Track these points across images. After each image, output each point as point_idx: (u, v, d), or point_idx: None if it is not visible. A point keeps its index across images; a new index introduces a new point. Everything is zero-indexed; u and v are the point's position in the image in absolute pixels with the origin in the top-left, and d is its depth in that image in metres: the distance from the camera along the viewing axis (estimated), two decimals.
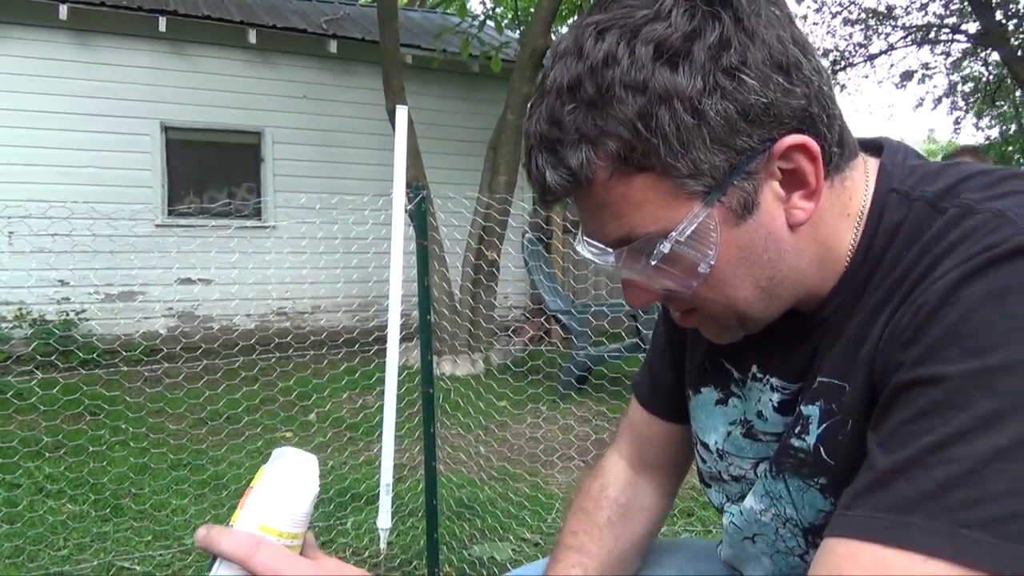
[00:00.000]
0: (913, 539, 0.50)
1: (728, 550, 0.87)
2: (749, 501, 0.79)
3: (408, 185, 2.38)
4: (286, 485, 0.64)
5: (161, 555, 2.46)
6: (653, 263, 0.63)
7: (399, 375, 2.38)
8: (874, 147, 0.72)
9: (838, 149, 0.64)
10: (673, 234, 0.61)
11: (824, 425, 0.67)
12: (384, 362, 2.38)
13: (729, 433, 0.82)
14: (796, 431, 0.71)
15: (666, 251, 0.62)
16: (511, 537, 2.64)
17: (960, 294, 0.55)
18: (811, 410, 0.69)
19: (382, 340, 2.51)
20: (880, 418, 0.58)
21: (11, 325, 6.14)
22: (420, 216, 2.49)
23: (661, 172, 0.59)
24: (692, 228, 0.61)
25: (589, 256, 0.66)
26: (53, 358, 4.19)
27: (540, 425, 3.60)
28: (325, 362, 3.61)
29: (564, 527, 0.98)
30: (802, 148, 0.60)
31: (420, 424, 2.56)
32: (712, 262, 0.63)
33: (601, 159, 0.59)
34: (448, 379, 4.63)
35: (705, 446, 0.86)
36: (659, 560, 1.01)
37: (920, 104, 26.26)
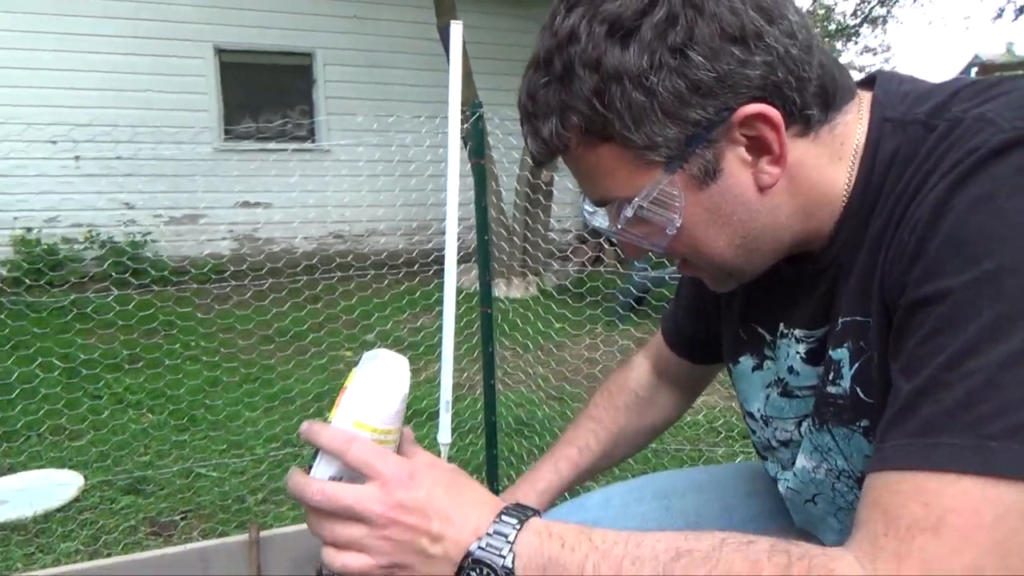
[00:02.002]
0: (943, 460, 0.50)
1: (797, 517, 0.87)
2: (800, 460, 0.79)
3: (463, 104, 2.34)
4: (378, 384, 0.66)
5: (235, 463, 2.60)
6: (619, 226, 0.68)
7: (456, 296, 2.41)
8: (869, 82, 0.70)
9: (816, 108, 0.64)
10: (636, 200, 0.65)
11: (856, 365, 0.67)
12: (441, 283, 2.41)
13: (768, 396, 0.83)
14: (830, 378, 0.70)
15: (630, 215, 0.66)
16: None
17: (950, 204, 0.55)
18: (840, 353, 0.68)
19: (437, 262, 2.53)
20: (896, 344, 0.58)
21: (82, 247, 6.39)
22: (477, 135, 2.45)
23: (622, 144, 0.63)
24: (655, 194, 0.65)
25: (587, 215, 0.73)
26: (128, 275, 4.36)
27: (597, 346, 3.62)
28: (386, 282, 3.66)
29: (590, 400, 1.15)
30: (761, 117, 0.61)
31: (477, 345, 2.60)
32: (678, 224, 0.66)
33: (568, 131, 0.64)
34: (504, 300, 4.67)
35: (751, 415, 0.88)
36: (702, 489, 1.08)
37: (1000, 15, 24.36)
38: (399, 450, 0.69)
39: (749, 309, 0.84)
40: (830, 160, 0.66)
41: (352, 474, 0.65)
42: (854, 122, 0.67)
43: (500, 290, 5.52)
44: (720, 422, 2.93)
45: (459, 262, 2.58)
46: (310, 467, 0.67)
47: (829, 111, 0.65)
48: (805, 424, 0.78)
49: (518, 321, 3.70)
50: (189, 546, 1.64)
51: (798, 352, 0.76)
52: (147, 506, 2.31)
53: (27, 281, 4.93)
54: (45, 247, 6.11)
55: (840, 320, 0.68)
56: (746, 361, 0.86)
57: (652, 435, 1.15)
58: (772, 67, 0.61)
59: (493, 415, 2.45)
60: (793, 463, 0.82)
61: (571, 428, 1.12)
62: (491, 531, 0.61)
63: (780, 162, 0.64)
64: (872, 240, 0.65)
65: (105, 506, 2.31)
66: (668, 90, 0.60)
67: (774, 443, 0.85)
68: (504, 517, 0.62)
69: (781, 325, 0.78)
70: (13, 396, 2.78)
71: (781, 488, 0.86)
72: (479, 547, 0.61)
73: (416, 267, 3.40)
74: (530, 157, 0.72)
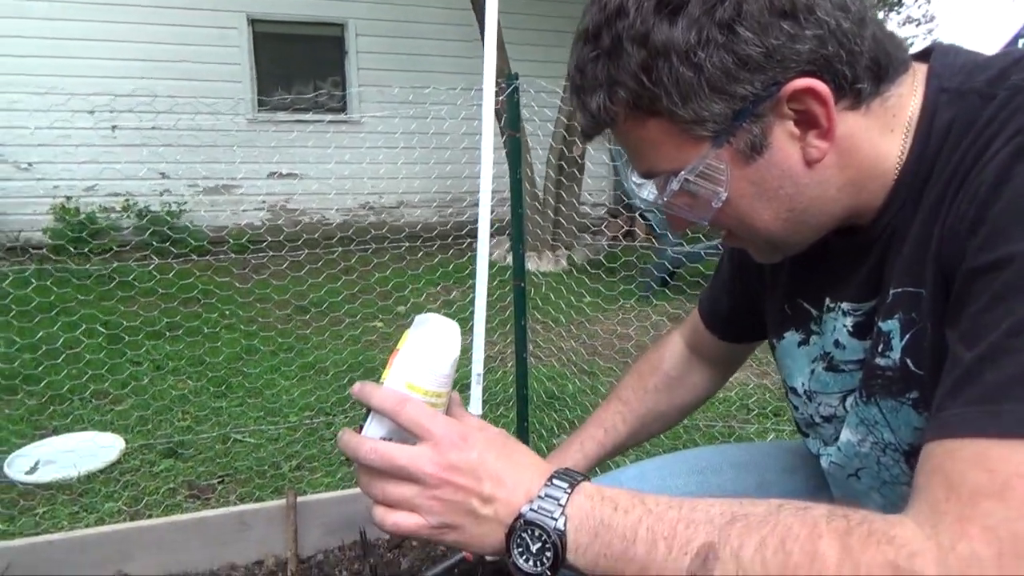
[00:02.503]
0: (1009, 426, 0.49)
1: (838, 492, 0.87)
2: (845, 434, 0.78)
3: (499, 75, 2.32)
4: (430, 347, 0.68)
5: (270, 430, 2.65)
6: (665, 198, 0.69)
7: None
8: (925, 54, 0.69)
9: (867, 81, 0.63)
10: (682, 173, 0.66)
11: (907, 336, 0.66)
12: (473, 256, 2.41)
13: (812, 371, 0.82)
14: (879, 350, 0.69)
15: (676, 188, 0.67)
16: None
17: (1014, 171, 0.54)
18: (890, 325, 0.67)
19: (470, 235, 2.53)
20: (955, 312, 0.57)
21: (120, 216, 6.51)
22: (512, 108, 2.43)
23: (669, 118, 0.63)
24: (701, 168, 0.65)
25: (634, 186, 0.75)
26: (168, 244, 4.44)
27: (629, 321, 3.61)
28: (420, 254, 3.68)
29: (621, 380, 1.17)
30: (810, 92, 0.61)
31: (509, 318, 2.60)
32: (723, 197, 0.66)
33: (616, 105, 0.64)
34: (535, 274, 4.67)
35: (794, 391, 0.87)
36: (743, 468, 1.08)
37: None
38: (448, 413, 0.70)
39: (794, 284, 0.84)
40: (881, 132, 0.65)
41: (403, 435, 0.66)
42: (908, 94, 0.66)
43: (531, 264, 5.51)
44: (752, 399, 2.92)
45: (491, 235, 2.58)
46: (361, 427, 0.68)
47: (881, 84, 0.64)
48: (850, 398, 0.78)
49: (550, 295, 3.70)
50: (229, 509, 1.68)
51: (845, 325, 0.75)
52: (186, 470, 2.37)
53: (71, 249, 5.05)
54: (84, 216, 6.23)
55: (891, 292, 0.67)
56: (791, 337, 0.86)
57: (683, 414, 1.17)
58: (823, 41, 0.60)
59: (524, 388, 2.46)
60: (836, 438, 0.81)
61: (601, 408, 1.15)
62: (543, 494, 0.62)
63: (828, 136, 0.63)
64: (927, 210, 0.63)
65: (146, 469, 2.38)
66: (715, 66, 0.60)
67: (817, 419, 0.84)
68: (555, 481, 0.63)
69: (827, 299, 0.78)
70: (59, 361, 2.86)
71: (824, 463, 0.85)
72: (531, 509, 0.61)
73: (449, 240, 3.40)
74: (579, 129, 0.71)
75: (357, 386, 0.67)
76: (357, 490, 1.75)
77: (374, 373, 3.18)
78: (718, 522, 0.55)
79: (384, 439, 0.66)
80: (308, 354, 3.38)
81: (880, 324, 0.69)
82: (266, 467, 2.37)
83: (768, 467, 1.07)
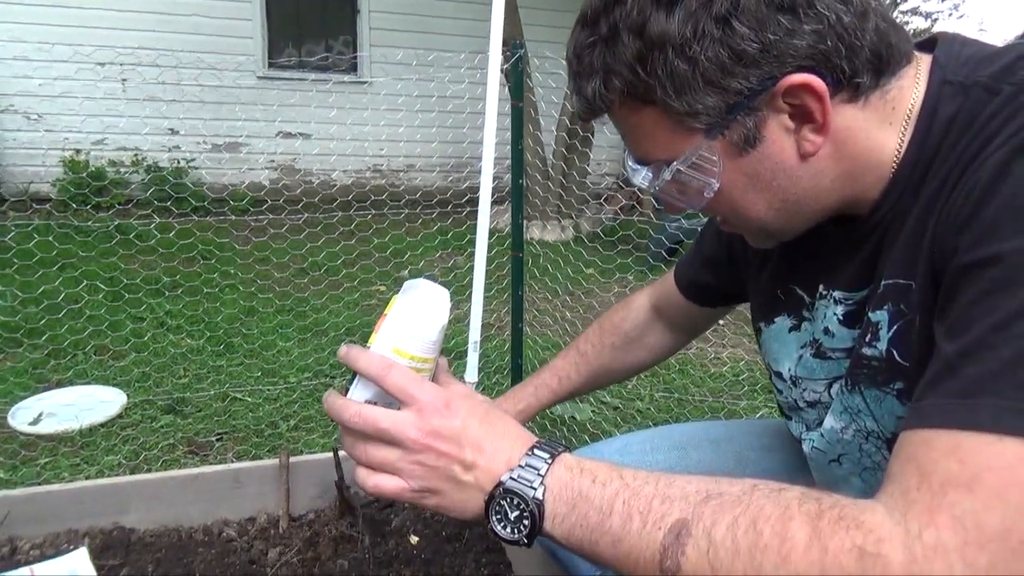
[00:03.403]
0: (984, 420, 0.50)
1: (819, 476, 0.88)
2: (829, 421, 0.79)
3: (505, 43, 2.30)
4: (418, 313, 0.68)
5: (269, 390, 2.69)
6: (658, 186, 0.69)
7: (489, 237, 2.42)
8: (929, 44, 0.68)
9: (866, 74, 0.63)
10: (675, 163, 0.66)
11: (895, 327, 0.67)
12: (475, 224, 2.42)
13: (800, 356, 0.83)
14: (867, 340, 0.70)
15: (668, 177, 0.67)
16: (591, 399, 2.74)
17: (1011, 169, 0.54)
18: (880, 315, 0.68)
19: (473, 202, 2.53)
20: (943, 306, 0.58)
21: (129, 170, 6.51)
22: (516, 76, 2.42)
23: (663, 109, 0.63)
24: (693, 159, 0.65)
25: (630, 170, 0.73)
26: (169, 204, 4.45)
27: (626, 295, 3.61)
28: (419, 221, 3.69)
29: (583, 333, 1.22)
30: (806, 87, 0.61)
31: (508, 287, 2.62)
32: (715, 188, 0.67)
33: (611, 92, 0.65)
34: (536, 244, 4.67)
35: (779, 375, 0.88)
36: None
37: None
38: (434, 380, 0.70)
39: (788, 270, 0.84)
40: (879, 125, 0.65)
41: (388, 399, 0.66)
42: (910, 86, 0.65)
43: (534, 233, 5.51)
44: (744, 375, 2.94)
45: (494, 203, 2.58)
46: (346, 390, 0.68)
47: (881, 77, 0.64)
48: (836, 386, 0.79)
49: (548, 267, 3.71)
50: (224, 466, 1.71)
51: (835, 314, 0.76)
52: (185, 426, 2.41)
53: (73, 205, 5.06)
54: (93, 169, 6.23)
55: (883, 282, 0.68)
56: (782, 322, 0.86)
57: (637, 371, 1.24)
58: (821, 36, 0.60)
59: (520, 357, 2.48)
60: (819, 424, 0.82)
61: (559, 356, 1.22)
62: (523, 463, 0.63)
63: (823, 131, 0.63)
64: (924, 203, 0.63)
65: (146, 424, 2.42)
66: (710, 60, 0.60)
67: (801, 404, 0.85)
68: (536, 451, 0.64)
69: (820, 286, 0.78)
70: (61, 315, 2.89)
71: (806, 448, 0.86)
72: (511, 478, 0.62)
73: (451, 207, 3.41)
74: (576, 113, 0.72)
75: (344, 349, 0.68)
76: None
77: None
78: (693, 499, 0.56)
79: (369, 402, 0.67)
80: (307, 316, 3.41)
81: (870, 314, 0.69)
82: (264, 426, 2.41)
83: (749, 445, 1.09)
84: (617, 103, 0.66)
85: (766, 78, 0.60)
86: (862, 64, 0.62)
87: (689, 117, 0.63)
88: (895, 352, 0.67)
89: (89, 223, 4.32)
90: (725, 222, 0.75)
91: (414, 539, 1.37)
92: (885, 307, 0.67)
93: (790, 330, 0.85)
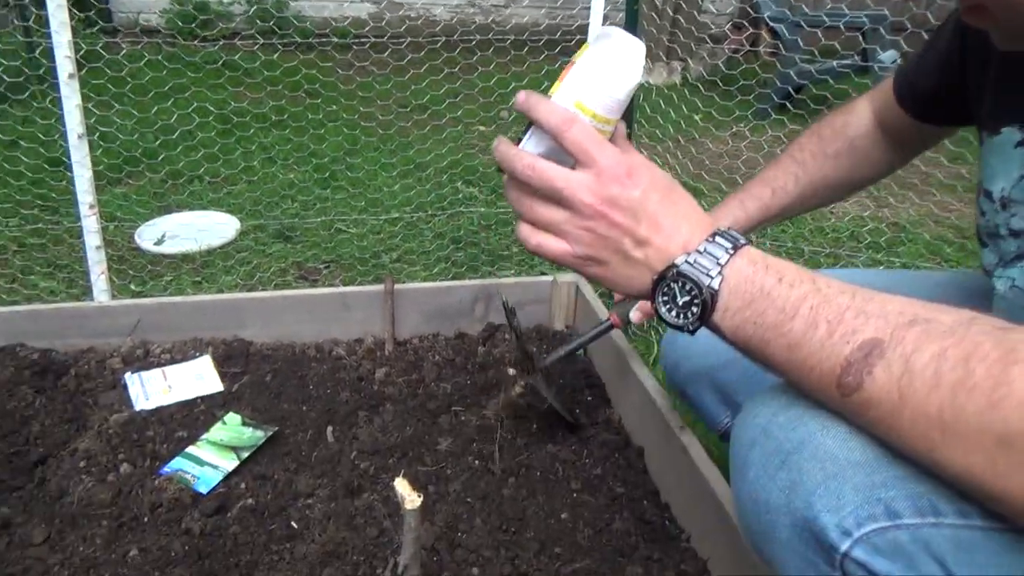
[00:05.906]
0: None
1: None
2: None
3: None
4: (609, 67, 0.61)
5: (372, 222, 2.74)
6: None
7: None
8: None
9: None
10: None
11: None
12: None
13: (1021, 178, 0.72)
14: None
15: None
16: None
17: None
18: None
19: (581, 41, 2.37)
20: None
21: (230, 1, 6.45)
22: None
23: None
24: None
25: None
26: (273, 40, 4.42)
27: (739, 144, 3.41)
28: (525, 65, 3.52)
29: (796, 140, 1.08)
30: None
31: None
32: None
33: None
34: (645, 85, 4.41)
35: (988, 195, 0.77)
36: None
37: None
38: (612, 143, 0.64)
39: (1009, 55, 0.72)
40: None
41: (563, 156, 0.61)
42: None
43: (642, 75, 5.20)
44: (866, 228, 2.77)
45: None
46: (519, 140, 0.63)
47: None
48: None
49: (658, 110, 3.51)
50: (333, 289, 1.78)
51: None
52: (295, 252, 2.51)
53: (180, 39, 5.10)
54: (198, 0, 6.22)
55: None
56: (1009, 134, 0.74)
57: (854, 190, 1.11)
58: None
59: None
60: (1017, 259, 0.74)
61: (771, 166, 1.07)
62: (701, 249, 0.58)
63: None
64: None
65: (259, 249, 2.53)
66: None
67: (1003, 231, 0.76)
68: (718, 239, 0.59)
69: None
70: (175, 143, 2.98)
71: (1000, 286, 0.76)
72: (686, 261, 0.58)
73: (558, 47, 3.22)
74: None
75: (522, 95, 0.62)
76: (453, 283, 1.82)
77: (473, 174, 3.17)
78: (894, 320, 0.50)
79: (542, 156, 0.61)
80: (409, 151, 3.40)
81: None
82: (367, 256, 2.48)
83: (936, 298, 1.00)
84: None
85: None
86: None
87: None
88: None
89: (196, 58, 4.35)
90: (980, 10, 0.63)
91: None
92: None
93: (1017, 145, 0.73)
